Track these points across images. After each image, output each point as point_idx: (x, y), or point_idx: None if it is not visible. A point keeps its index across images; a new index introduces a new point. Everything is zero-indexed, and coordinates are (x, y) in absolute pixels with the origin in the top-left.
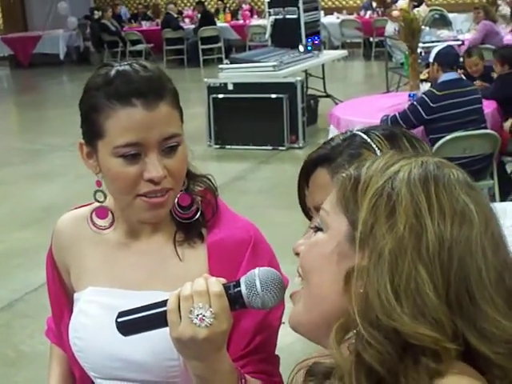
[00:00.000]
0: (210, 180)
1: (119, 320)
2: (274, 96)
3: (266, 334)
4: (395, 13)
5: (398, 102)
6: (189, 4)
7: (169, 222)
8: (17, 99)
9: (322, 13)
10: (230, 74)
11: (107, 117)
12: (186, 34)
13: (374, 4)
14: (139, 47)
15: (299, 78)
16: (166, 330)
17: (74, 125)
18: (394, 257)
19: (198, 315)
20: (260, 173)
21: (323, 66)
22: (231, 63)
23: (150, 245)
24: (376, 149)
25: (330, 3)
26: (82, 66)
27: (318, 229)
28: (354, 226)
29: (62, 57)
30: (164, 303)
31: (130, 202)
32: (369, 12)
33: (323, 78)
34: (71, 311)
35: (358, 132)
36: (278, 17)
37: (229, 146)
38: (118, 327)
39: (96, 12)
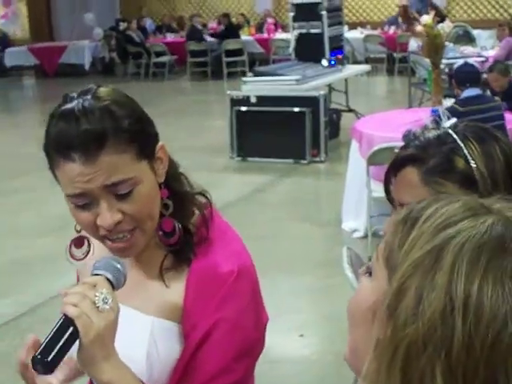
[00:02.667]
0: (207, 198)
1: (48, 359)
2: (296, 109)
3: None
4: (419, 28)
5: (420, 117)
6: (213, 17)
7: (161, 246)
8: (42, 108)
9: (345, 27)
10: (254, 86)
11: (55, 166)
12: (210, 47)
13: (400, 19)
14: (163, 59)
15: (322, 92)
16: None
17: None
18: (410, 351)
19: (102, 300)
20: (281, 186)
21: (346, 80)
22: (255, 76)
23: (140, 263)
24: (468, 155)
25: (354, 18)
26: (107, 76)
27: (368, 271)
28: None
29: (87, 67)
30: (64, 323)
31: (100, 241)
32: (393, 27)
33: (346, 93)
34: None
35: (450, 131)
36: (302, 31)
37: (250, 159)
38: (46, 366)
39: (122, 23)
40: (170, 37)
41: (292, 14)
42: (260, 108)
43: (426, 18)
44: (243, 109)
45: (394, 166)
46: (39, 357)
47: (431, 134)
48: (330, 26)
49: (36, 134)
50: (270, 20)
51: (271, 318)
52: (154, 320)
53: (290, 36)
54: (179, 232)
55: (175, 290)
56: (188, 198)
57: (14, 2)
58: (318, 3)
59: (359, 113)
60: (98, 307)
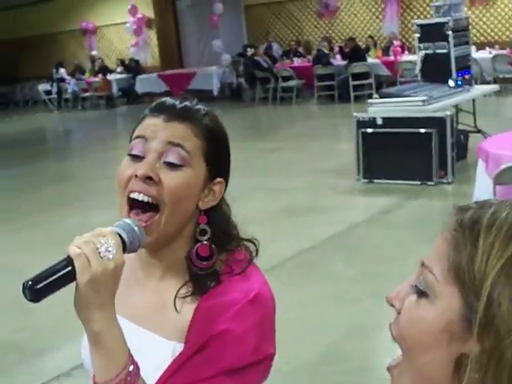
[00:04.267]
0: (254, 244)
1: (37, 287)
2: (422, 131)
3: None
4: None
5: None
6: (340, 41)
7: (183, 271)
8: None
9: (473, 48)
10: (380, 108)
11: (140, 123)
12: (337, 70)
13: None
14: (291, 83)
15: (449, 113)
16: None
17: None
18: None
19: (105, 247)
20: (407, 207)
21: (474, 100)
22: (381, 98)
23: (162, 285)
24: None
25: (482, 38)
26: (235, 101)
27: (420, 292)
28: (471, 307)
29: (215, 93)
30: (64, 261)
31: (122, 207)
32: None
33: (474, 113)
34: None
35: None
36: (428, 51)
37: (377, 180)
38: (33, 294)
39: (249, 49)
40: (297, 61)
41: (417, 34)
42: (386, 130)
43: None
44: (369, 131)
45: None
46: (30, 283)
47: None
48: (456, 45)
49: None
50: (396, 42)
51: None
52: (176, 345)
53: (416, 57)
54: (213, 262)
55: (187, 319)
56: (226, 234)
57: (144, 31)
58: (443, 23)
59: (487, 134)
60: (99, 253)
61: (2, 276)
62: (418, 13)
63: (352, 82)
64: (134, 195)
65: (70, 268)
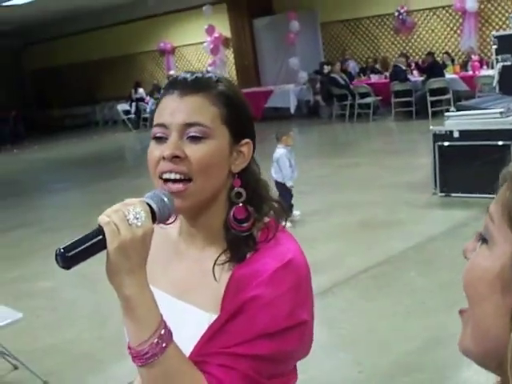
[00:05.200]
0: (281, 205)
1: (69, 255)
2: (500, 143)
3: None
4: None
5: None
6: (417, 57)
7: (222, 239)
8: None
9: None
10: (456, 121)
11: (158, 105)
12: (415, 86)
13: None
14: (368, 100)
15: None
16: None
17: (301, 170)
18: None
19: (133, 215)
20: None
21: None
22: (458, 110)
23: (202, 254)
24: None
25: None
26: (312, 119)
27: (482, 239)
28: None
29: (292, 110)
30: (95, 231)
31: (156, 185)
32: None
33: None
34: None
35: None
36: (505, 63)
37: (454, 194)
38: (65, 261)
39: (326, 66)
40: (374, 78)
41: (495, 46)
42: (463, 142)
43: None
44: (446, 144)
45: None
46: (62, 250)
47: None
48: None
49: None
50: (474, 57)
51: None
52: (213, 317)
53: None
54: (251, 222)
55: (225, 284)
56: (257, 194)
57: (221, 50)
58: None
59: None
60: (127, 220)
61: (83, 287)
62: (498, 26)
63: (430, 98)
64: (166, 176)
65: (100, 237)
